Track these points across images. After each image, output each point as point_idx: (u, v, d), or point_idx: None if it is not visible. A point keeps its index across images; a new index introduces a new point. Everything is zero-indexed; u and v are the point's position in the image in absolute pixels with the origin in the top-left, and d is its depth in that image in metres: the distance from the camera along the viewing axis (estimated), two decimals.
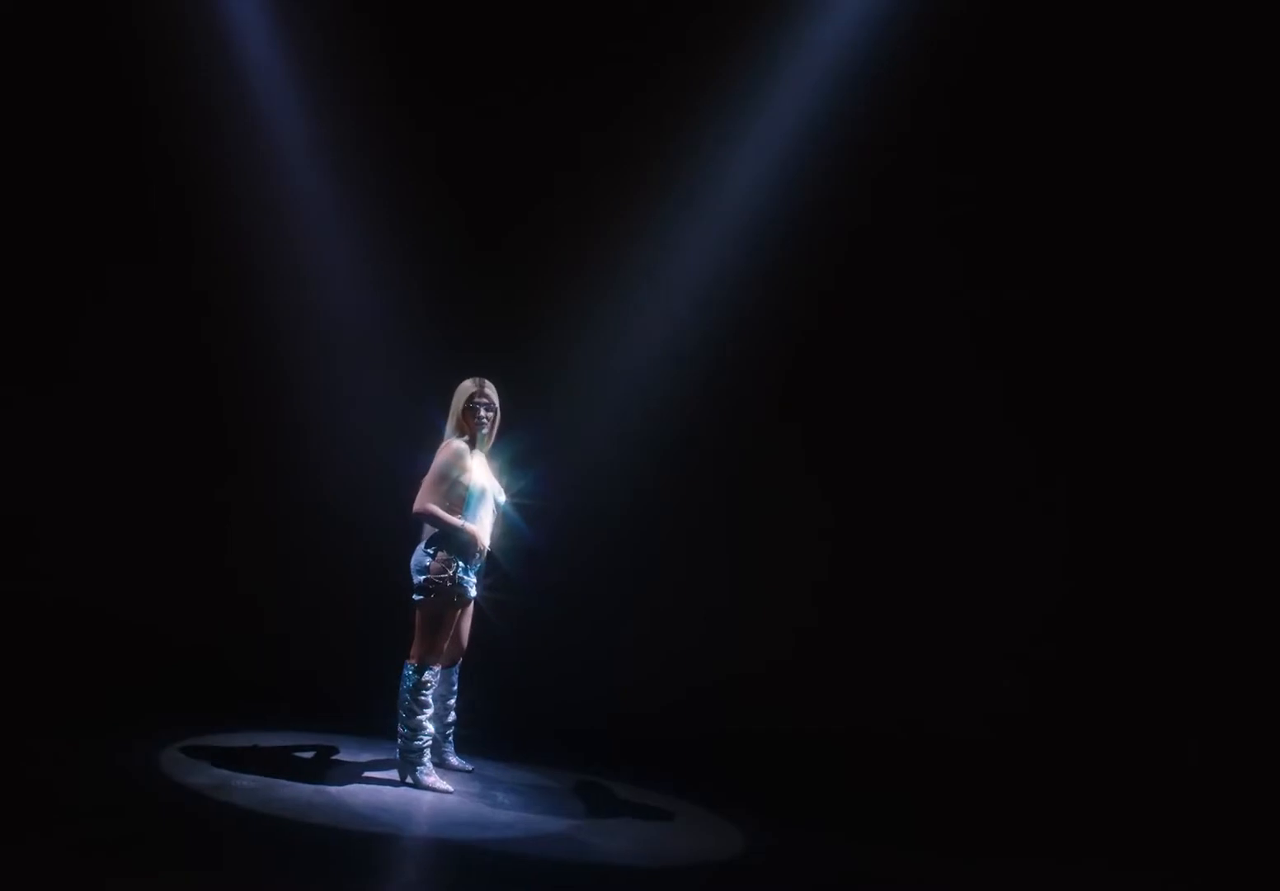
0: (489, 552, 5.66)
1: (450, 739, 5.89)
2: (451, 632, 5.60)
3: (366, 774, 5.58)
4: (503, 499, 5.69)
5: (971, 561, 7.70)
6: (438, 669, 5.55)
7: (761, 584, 7.81)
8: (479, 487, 5.55)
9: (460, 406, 5.63)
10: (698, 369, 7.94)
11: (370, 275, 8.15)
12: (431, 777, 5.49)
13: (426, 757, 5.52)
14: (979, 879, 5.44)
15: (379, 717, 5.79)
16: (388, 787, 5.41)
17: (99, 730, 5.77)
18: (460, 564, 5.48)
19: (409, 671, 5.49)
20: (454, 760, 5.90)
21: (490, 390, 5.66)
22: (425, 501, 5.48)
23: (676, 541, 8.01)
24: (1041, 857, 5.76)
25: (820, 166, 7.76)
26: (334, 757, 5.79)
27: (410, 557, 5.58)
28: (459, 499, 5.51)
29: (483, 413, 5.61)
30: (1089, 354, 7.67)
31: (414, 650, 5.52)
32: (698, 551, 8.00)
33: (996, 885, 5.41)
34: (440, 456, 5.56)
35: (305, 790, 5.18)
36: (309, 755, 5.79)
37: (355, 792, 5.26)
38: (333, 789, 5.26)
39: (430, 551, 5.50)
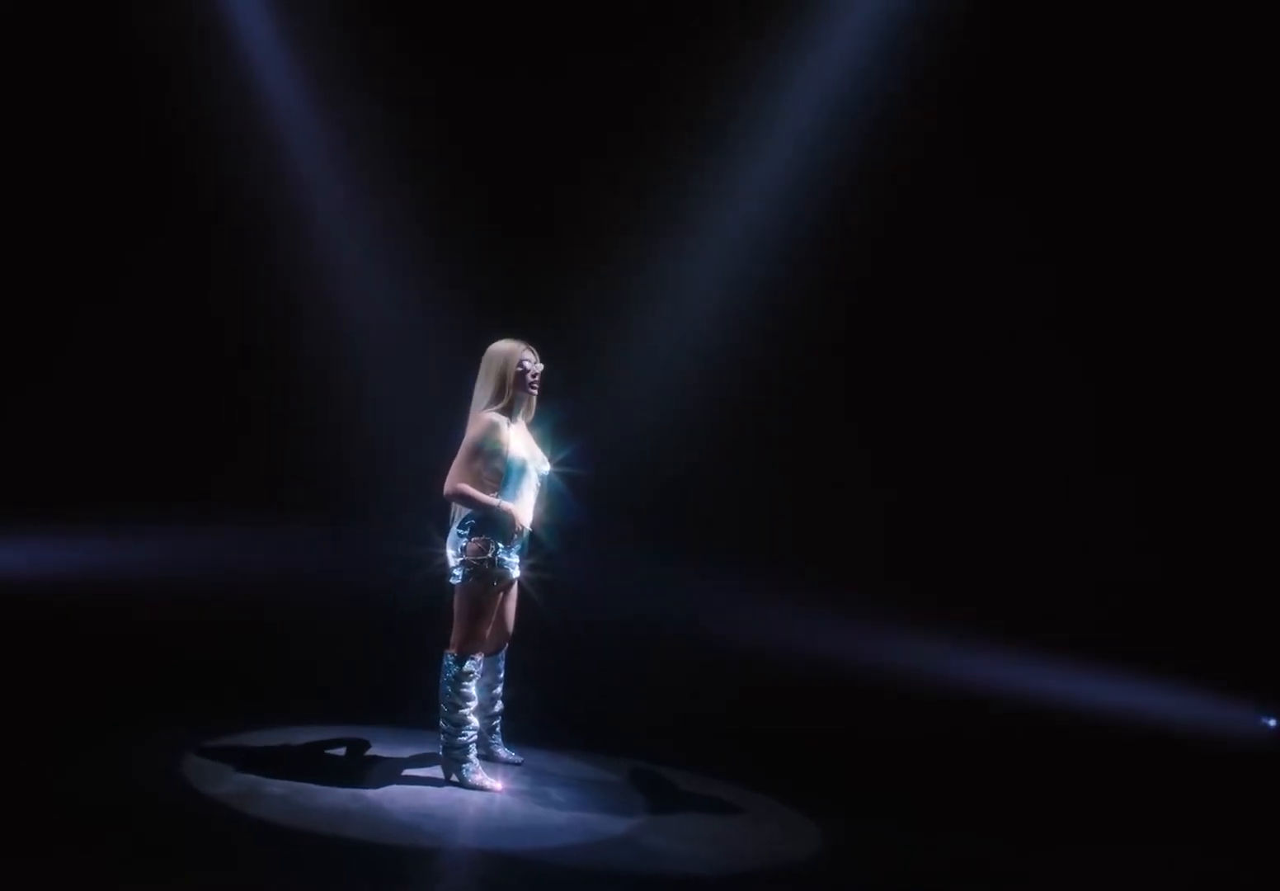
0: (531, 531, 5.16)
1: (497, 730, 5.42)
2: (494, 617, 5.12)
3: (407, 772, 5.11)
4: (546, 469, 5.19)
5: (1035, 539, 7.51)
6: (480, 658, 5.07)
7: (818, 566, 7.53)
8: (519, 461, 5.03)
9: (507, 371, 5.08)
10: (736, 349, 7.79)
11: (398, 250, 7.99)
12: (478, 775, 5.02)
13: (472, 754, 5.05)
14: (1070, 867, 5.04)
15: (418, 709, 5.38)
16: (431, 788, 4.95)
17: (110, 734, 5.27)
18: (499, 544, 4.99)
19: (449, 662, 5.01)
20: (502, 752, 5.44)
21: (533, 351, 5.15)
22: (456, 481, 4.96)
23: (730, 520, 7.74)
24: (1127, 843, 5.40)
25: (869, 117, 7.56)
26: (370, 755, 5.31)
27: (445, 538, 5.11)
28: (496, 474, 5.01)
29: (531, 376, 5.10)
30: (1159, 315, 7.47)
31: (453, 638, 5.04)
32: (751, 530, 7.73)
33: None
34: (472, 431, 5.04)
35: (340, 796, 4.71)
36: (343, 753, 5.32)
37: (395, 797, 4.80)
38: (370, 793, 4.80)
39: (465, 531, 5.00)
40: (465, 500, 4.98)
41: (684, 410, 7.60)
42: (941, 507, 7.70)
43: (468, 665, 4.99)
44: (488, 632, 5.08)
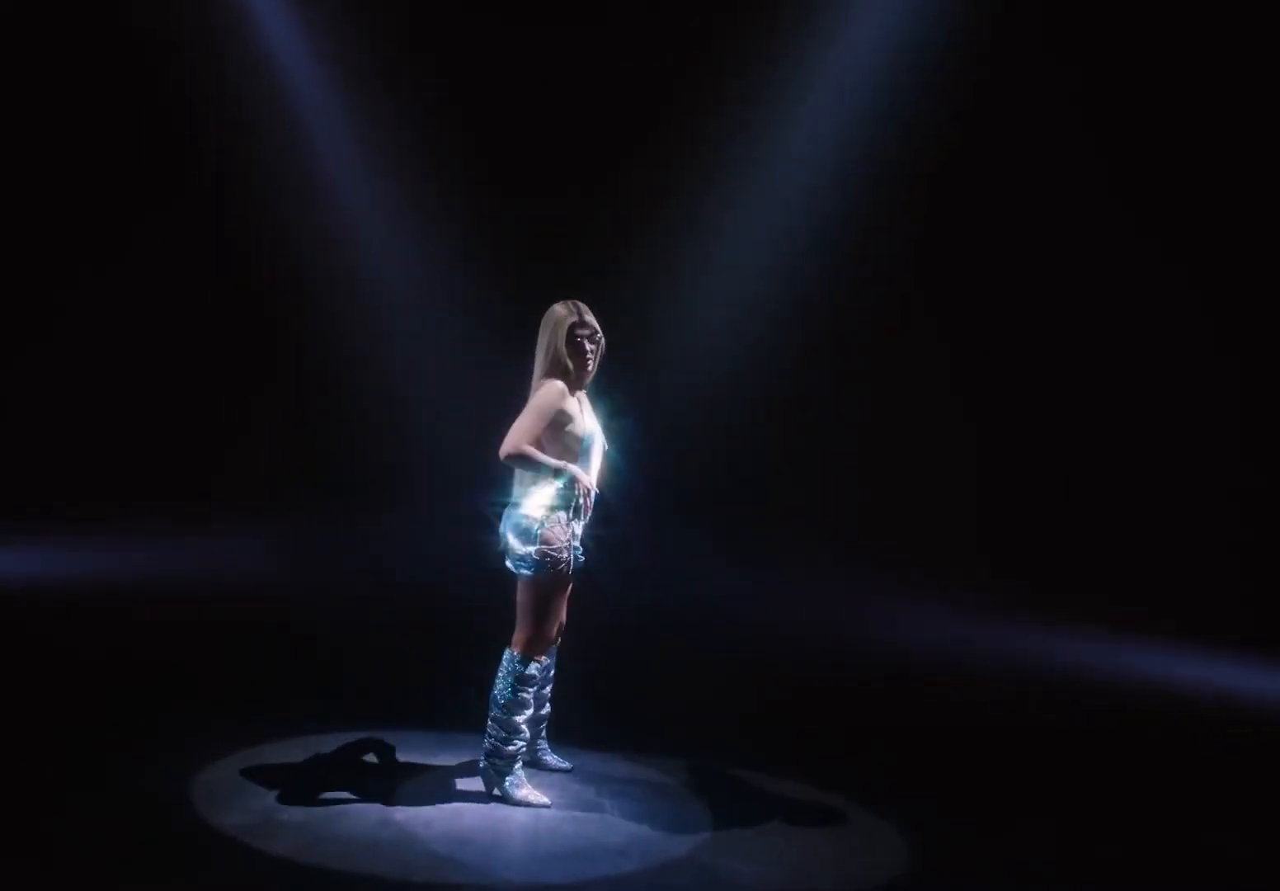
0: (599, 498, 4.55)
1: (544, 734, 4.85)
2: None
3: (442, 788, 4.54)
4: (603, 439, 4.59)
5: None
6: (546, 661, 4.52)
7: (898, 552, 7.31)
8: (589, 434, 4.46)
9: (556, 341, 4.47)
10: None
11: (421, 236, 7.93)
12: (523, 789, 4.46)
13: (518, 765, 4.49)
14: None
15: (448, 712, 5.00)
16: (470, 806, 4.39)
17: (110, 750, 4.68)
18: (574, 527, 4.40)
19: (514, 663, 4.42)
20: (550, 759, 4.86)
21: (590, 316, 4.50)
22: (520, 441, 4.32)
23: (797, 501, 7.49)
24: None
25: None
26: (398, 767, 4.73)
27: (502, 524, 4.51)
28: (568, 451, 4.42)
29: (588, 344, 4.47)
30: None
31: (517, 636, 4.46)
32: (820, 513, 7.45)
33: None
34: (541, 397, 4.41)
35: (366, 822, 4.15)
36: (367, 767, 4.74)
37: (429, 819, 4.23)
38: (400, 816, 4.23)
39: (540, 515, 4.39)
40: (527, 462, 4.36)
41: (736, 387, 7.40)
42: (1046, 486, 7.33)
43: (531, 668, 4.43)
44: (555, 631, 4.52)
